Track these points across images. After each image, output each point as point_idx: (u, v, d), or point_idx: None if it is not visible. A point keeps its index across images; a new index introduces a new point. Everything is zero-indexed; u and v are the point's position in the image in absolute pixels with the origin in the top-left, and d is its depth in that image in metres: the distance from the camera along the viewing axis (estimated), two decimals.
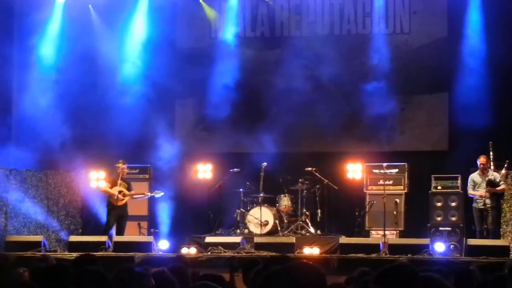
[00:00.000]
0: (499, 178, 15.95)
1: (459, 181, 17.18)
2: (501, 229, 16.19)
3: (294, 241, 15.87)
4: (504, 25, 17.89)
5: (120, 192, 16.83)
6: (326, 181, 17.65)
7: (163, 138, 18.23)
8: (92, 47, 19.28)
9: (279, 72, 18.76)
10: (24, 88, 19.08)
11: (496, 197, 16.10)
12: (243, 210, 17.73)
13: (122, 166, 16.95)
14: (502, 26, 17.90)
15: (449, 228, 16.95)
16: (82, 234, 18.08)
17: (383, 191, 17.06)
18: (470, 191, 16.19)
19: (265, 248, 15.44)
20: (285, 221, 17.52)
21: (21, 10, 19.24)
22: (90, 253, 9.11)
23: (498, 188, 15.97)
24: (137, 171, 18.37)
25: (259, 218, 17.25)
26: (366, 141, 18.71)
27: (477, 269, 8.46)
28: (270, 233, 17.17)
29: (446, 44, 18.58)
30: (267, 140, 17.96)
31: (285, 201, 17.68)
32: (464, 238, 15.98)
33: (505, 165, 15.91)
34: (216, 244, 15.71)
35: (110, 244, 15.98)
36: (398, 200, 17.28)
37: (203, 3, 19.52)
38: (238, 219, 17.82)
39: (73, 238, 16.72)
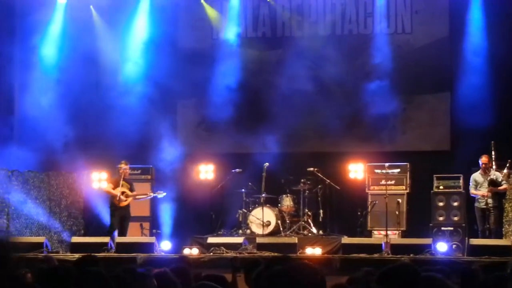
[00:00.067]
0: (501, 177, 15.94)
1: (461, 181, 17.16)
2: (503, 229, 16.21)
3: (296, 242, 15.86)
4: (506, 25, 17.88)
5: (122, 193, 16.84)
6: (328, 181, 17.64)
7: (165, 138, 18.24)
8: (93, 48, 19.28)
9: (280, 72, 18.76)
10: (26, 88, 19.07)
11: (498, 196, 16.10)
12: (245, 211, 17.72)
13: (124, 167, 16.95)
14: (503, 26, 17.88)
15: (451, 228, 16.94)
16: (84, 235, 18.08)
17: (385, 191, 17.05)
18: (472, 191, 16.18)
19: (267, 248, 15.44)
20: (287, 221, 17.51)
21: (23, 10, 19.23)
22: (92, 254, 9.11)
23: (500, 188, 15.97)
24: (139, 172, 18.37)
25: (261, 218, 17.25)
26: (368, 141, 18.70)
27: (480, 269, 8.44)
28: (272, 234, 17.17)
29: (447, 43, 18.57)
30: (269, 140, 17.97)
31: (287, 202, 17.68)
32: (466, 238, 15.97)
33: (507, 165, 15.90)
34: (218, 245, 15.71)
35: (112, 245, 15.99)
36: (400, 200, 17.26)
37: (204, 3, 19.51)
38: (240, 219, 17.82)
39: (75, 239, 16.71)
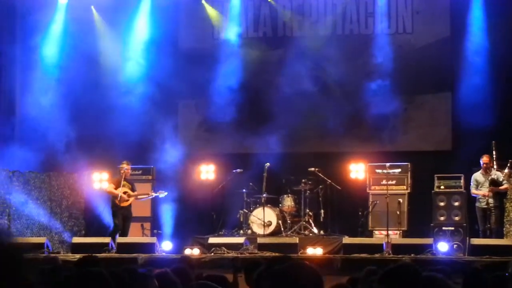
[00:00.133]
0: (502, 177, 15.94)
1: (462, 181, 17.16)
2: (504, 229, 16.22)
3: (298, 242, 15.86)
4: (507, 24, 17.86)
5: (124, 193, 16.84)
6: (329, 181, 17.64)
7: (166, 139, 18.23)
8: (94, 48, 19.30)
9: (281, 72, 18.76)
10: (27, 89, 19.08)
11: (499, 196, 16.11)
12: (246, 211, 17.73)
13: (126, 167, 16.96)
14: (504, 25, 17.87)
15: (452, 228, 16.93)
16: (85, 235, 18.09)
17: (386, 191, 17.04)
18: (473, 191, 16.17)
19: (268, 248, 15.44)
20: (288, 221, 17.51)
21: (23, 10, 19.23)
22: (93, 254, 9.10)
23: (501, 188, 15.97)
24: (140, 172, 18.37)
25: (262, 218, 17.25)
26: (369, 141, 18.70)
27: (482, 268, 8.45)
28: (273, 234, 17.16)
29: (448, 43, 18.57)
30: (270, 140, 17.95)
31: (288, 202, 17.67)
32: (468, 238, 15.96)
33: (508, 165, 15.90)
34: (219, 245, 15.71)
35: (113, 246, 15.99)
36: (401, 200, 17.26)
37: (205, 3, 19.51)
38: (241, 219, 17.81)
39: (76, 240, 16.73)
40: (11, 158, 17.82)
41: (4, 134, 18.41)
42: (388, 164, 17.40)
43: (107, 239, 16.19)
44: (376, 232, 17.38)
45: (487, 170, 15.98)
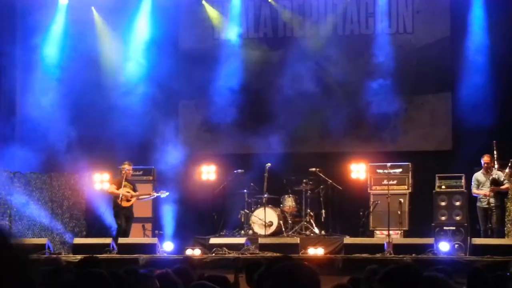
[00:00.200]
0: (503, 177, 15.93)
1: (463, 181, 17.15)
2: (505, 228, 16.21)
3: (299, 242, 15.86)
4: (507, 24, 17.86)
5: (126, 193, 16.83)
6: (330, 181, 17.64)
7: (166, 139, 18.23)
8: (95, 48, 19.31)
9: (282, 72, 18.76)
10: (27, 89, 19.09)
11: (500, 196, 16.10)
12: (247, 211, 17.72)
13: (127, 168, 16.95)
14: (505, 25, 17.86)
15: (454, 228, 16.92)
16: (87, 236, 18.09)
17: (387, 191, 17.05)
18: (474, 190, 16.17)
19: (269, 249, 15.44)
20: (290, 221, 17.51)
21: (24, 10, 19.23)
22: (94, 255, 9.10)
23: (502, 187, 15.97)
24: (141, 172, 18.37)
25: (263, 219, 17.24)
26: (370, 141, 18.71)
27: (483, 268, 8.44)
28: (274, 234, 17.16)
29: (449, 43, 18.57)
30: (271, 140, 17.95)
31: (289, 202, 17.67)
32: (469, 238, 15.94)
33: (509, 164, 15.91)
34: (220, 245, 15.71)
35: (115, 246, 15.99)
36: (402, 200, 17.26)
37: (206, 4, 19.52)
38: (242, 220, 17.81)
39: (78, 241, 16.73)
40: (12, 158, 17.82)
41: (5, 134, 18.42)
42: (389, 164, 17.40)
43: (108, 240, 16.20)
44: (377, 232, 17.38)
45: (488, 170, 15.98)
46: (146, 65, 19.18)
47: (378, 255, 14.87)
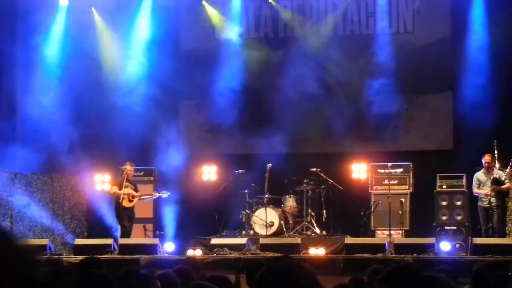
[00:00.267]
0: (504, 176, 15.93)
1: (464, 180, 17.16)
2: (506, 228, 16.20)
3: (300, 242, 15.86)
4: (508, 24, 17.85)
5: (128, 194, 16.83)
6: (331, 181, 17.64)
7: (167, 140, 18.23)
8: (96, 48, 19.32)
9: (282, 72, 18.76)
10: (28, 89, 19.10)
11: (501, 195, 16.09)
12: (248, 212, 17.73)
13: (129, 168, 16.95)
14: (506, 25, 17.86)
15: (455, 227, 16.92)
16: (88, 237, 18.09)
17: (388, 191, 17.05)
18: (475, 190, 16.17)
19: (270, 249, 15.44)
20: (291, 222, 17.50)
21: (24, 10, 19.24)
22: (95, 256, 9.09)
23: (503, 187, 15.96)
24: (142, 173, 18.38)
25: (265, 219, 17.24)
26: (371, 141, 18.70)
27: (484, 268, 8.44)
28: (275, 234, 17.16)
29: (449, 43, 18.57)
30: (272, 141, 17.95)
31: (290, 202, 17.67)
32: (470, 237, 15.93)
33: (510, 164, 15.88)
34: (221, 246, 15.71)
35: (116, 247, 15.99)
36: (403, 200, 17.26)
37: (206, 4, 19.51)
38: (244, 220, 17.81)
39: (79, 241, 16.72)
40: (13, 159, 17.82)
41: (6, 134, 18.43)
42: (390, 164, 17.41)
43: (109, 241, 16.20)
44: (378, 232, 17.38)
45: (489, 169, 15.97)
46: (147, 65, 19.18)
47: (379, 255, 14.86)
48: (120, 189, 16.81)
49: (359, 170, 18.14)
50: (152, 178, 18.52)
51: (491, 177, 15.91)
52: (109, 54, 19.45)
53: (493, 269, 8.04)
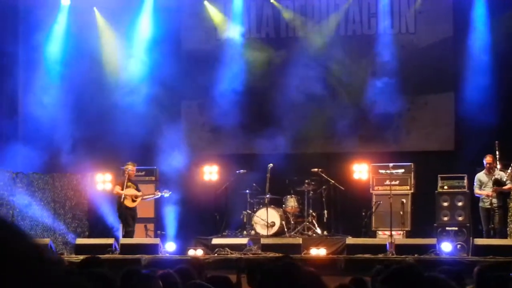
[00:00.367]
0: (505, 177, 15.91)
1: (465, 181, 17.15)
2: (508, 229, 16.19)
3: (301, 242, 15.86)
4: (511, 24, 17.84)
5: (131, 194, 16.83)
6: (333, 181, 17.63)
7: (169, 140, 18.22)
8: (97, 48, 19.32)
9: (284, 73, 18.75)
10: (30, 88, 19.11)
11: (503, 196, 16.08)
12: (250, 212, 17.72)
13: (131, 168, 16.95)
14: (508, 25, 17.85)
15: (456, 228, 16.91)
16: (89, 236, 18.09)
17: (389, 191, 17.04)
18: (477, 191, 16.16)
19: (272, 249, 15.44)
20: (292, 222, 17.50)
21: (26, 10, 19.25)
22: (96, 255, 9.10)
23: (504, 187, 15.94)
24: (143, 173, 18.38)
25: (266, 219, 17.24)
26: (372, 142, 18.70)
27: (485, 269, 8.44)
28: (276, 234, 17.16)
29: (451, 43, 18.56)
30: (273, 141, 17.95)
31: (291, 202, 17.67)
32: (471, 238, 15.94)
33: None
34: (222, 246, 15.71)
35: (117, 247, 16.00)
36: (404, 200, 17.26)
37: (207, 4, 19.51)
38: (245, 220, 17.81)
39: (80, 241, 16.74)
40: (14, 158, 17.84)
41: (7, 133, 18.44)
42: (391, 164, 17.40)
43: (110, 240, 16.21)
44: (380, 232, 17.37)
45: (490, 170, 15.96)
46: (148, 65, 19.18)
47: (380, 255, 14.86)
48: (122, 189, 16.81)
49: (360, 171, 18.14)
50: (153, 178, 18.52)
51: (493, 178, 15.90)
52: (110, 54, 19.46)
53: (495, 270, 8.03)
